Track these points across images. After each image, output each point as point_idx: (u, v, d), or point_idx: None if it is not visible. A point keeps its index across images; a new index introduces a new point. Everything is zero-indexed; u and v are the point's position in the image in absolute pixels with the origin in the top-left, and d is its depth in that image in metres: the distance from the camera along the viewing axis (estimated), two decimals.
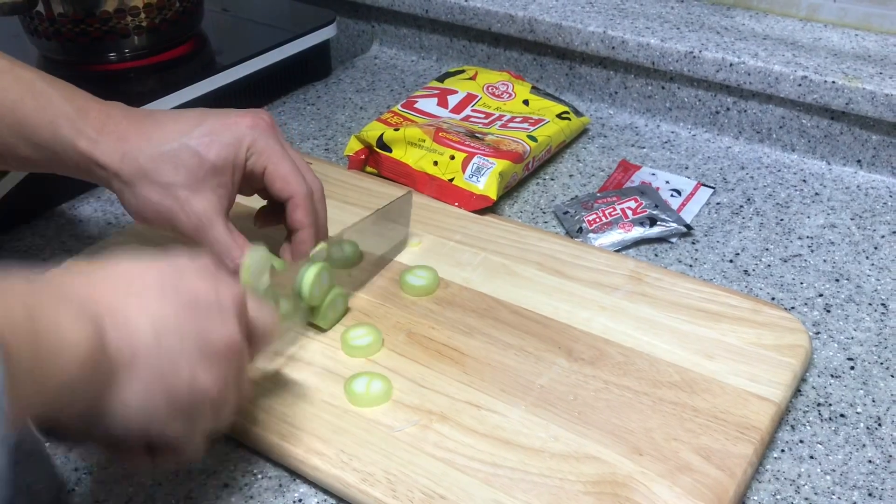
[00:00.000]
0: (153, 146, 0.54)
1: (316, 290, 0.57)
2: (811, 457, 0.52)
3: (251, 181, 0.58)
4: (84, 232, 0.74)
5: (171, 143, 0.54)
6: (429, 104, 0.85)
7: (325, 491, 0.50)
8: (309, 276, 0.56)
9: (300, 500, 0.50)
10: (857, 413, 0.55)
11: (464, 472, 0.49)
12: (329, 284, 0.59)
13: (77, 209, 0.76)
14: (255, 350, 0.47)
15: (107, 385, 0.38)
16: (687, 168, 0.81)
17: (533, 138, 0.78)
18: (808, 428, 0.54)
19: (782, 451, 0.53)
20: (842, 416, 0.55)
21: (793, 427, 0.54)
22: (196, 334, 0.41)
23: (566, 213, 0.73)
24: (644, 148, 0.85)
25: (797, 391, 0.57)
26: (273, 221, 0.61)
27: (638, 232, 0.70)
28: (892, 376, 0.58)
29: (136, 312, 0.39)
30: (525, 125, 0.81)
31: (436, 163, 0.75)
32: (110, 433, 0.40)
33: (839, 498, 0.50)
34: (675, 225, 0.70)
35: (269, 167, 0.56)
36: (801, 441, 0.53)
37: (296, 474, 0.51)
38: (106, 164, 0.54)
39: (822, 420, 0.55)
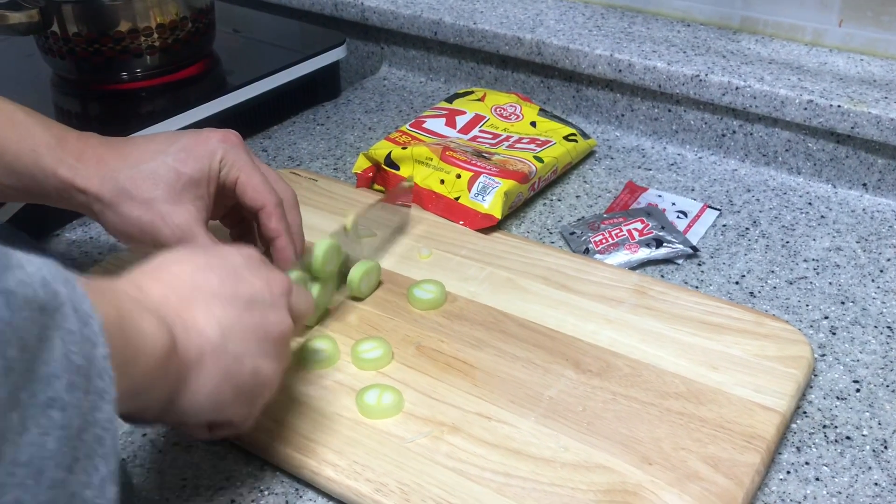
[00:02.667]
0: (130, 165, 0.57)
1: (330, 263, 0.60)
2: (817, 479, 0.52)
3: (223, 194, 0.60)
4: (94, 249, 0.74)
5: (149, 162, 0.57)
6: (437, 124, 0.85)
7: None
8: (321, 247, 0.59)
9: None
10: (863, 435, 0.55)
11: (476, 482, 0.50)
12: (339, 260, 0.62)
13: (88, 225, 0.77)
14: (296, 329, 0.51)
15: (179, 382, 0.42)
16: (693, 190, 0.82)
17: (539, 159, 0.79)
18: (814, 450, 0.54)
19: (788, 472, 0.53)
20: (847, 438, 0.55)
21: (798, 449, 0.54)
22: (255, 330, 0.46)
23: (573, 233, 0.74)
24: (650, 170, 0.85)
25: (803, 413, 0.57)
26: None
27: (644, 253, 0.70)
28: None
29: (202, 318, 0.44)
30: (532, 146, 0.81)
31: (442, 181, 0.76)
32: (180, 419, 0.44)
33: None
34: (681, 246, 0.71)
35: (240, 178, 0.59)
36: (807, 463, 0.53)
37: (301, 491, 0.52)
38: (86, 189, 0.56)
39: (827, 442, 0.55)
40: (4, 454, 0.27)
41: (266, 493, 0.51)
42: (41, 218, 0.75)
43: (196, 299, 0.44)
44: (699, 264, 0.71)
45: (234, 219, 0.65)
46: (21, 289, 0.28)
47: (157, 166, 0.57)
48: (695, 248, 0.71)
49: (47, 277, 0.31)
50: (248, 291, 0.46)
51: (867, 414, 0.57)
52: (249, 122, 0.92)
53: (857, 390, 0.59)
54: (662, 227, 0.72)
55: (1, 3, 0.83)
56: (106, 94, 0.89)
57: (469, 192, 0.74)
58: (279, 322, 0.47)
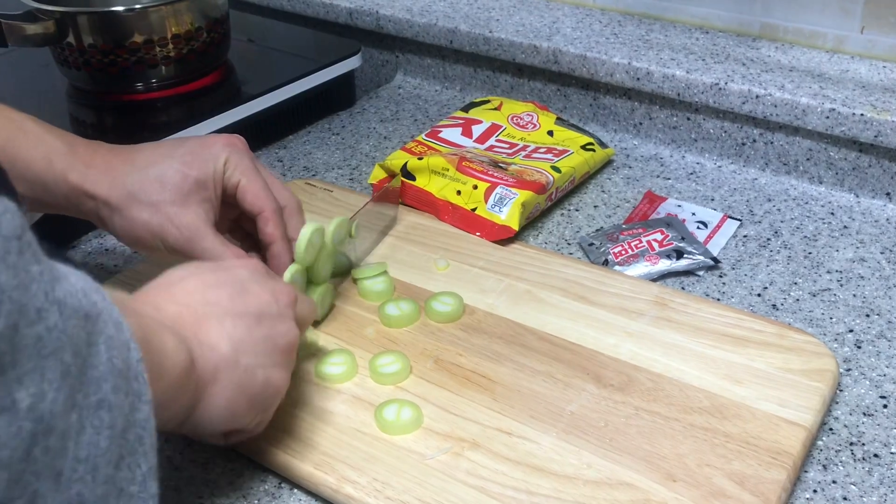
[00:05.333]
0: (138, 170, 0.58)
1: (312, 250, 0.60)
2: (845, 498, 0.51)
3: (226, 201, 0.61)
4: (110, 261, 0.74)
5: (156, 165, 0.58)
6: (453, 134, 0.85)
7: None
8: (305, 232, 0.60)
9: None
10: (892, 453, 0.54)
11: (498, 500, 0.49)
12: (317, 253, 0.62)
13: (104, 237, 0.77)
14: (301, 334, 0.53)
15: (196, 397, 0.44)
16: (713, 200, 0.81)
17: (557, 169, 0.78)
18: (841, 468, 0.53)
19: (814, 491, 0.52)
20: (875, 455, 0.54)
21: (825, 467, 0.53)
22: (265, 342, 0.48)
23: (591, 244, 0.73)
24: (670, 179, 0.84)
25: (829, 429, 0.56)
26: None
27: (664, 265, 0.69)
28: None
29: (215, 334, 0.46)
30: (549, 156, 0.81)
31: (459, 192, 0.75)
32: (196, 431, 0.47)
33: None
34: (701, 258, 0.70)
35: (241, 182, 0.60)
36: (834, 481, 0.52)
37: None
38: (96, 194, 0.57)
39: (855, 460, 0.54)
40: (68, 451, 0.29)
41: None
42: (55, 230, 0.75)
43: (209, 316, 0.46)
44: (720, 276, 0.70)
45: (241, 232, 0.65)
46: (69, 298, 0.30)
47: (164, 169, 0.58)
48: (716, 260, 0.70)
49: (86, 288, 0.33)
50: (257, 305, 0.49)
51: (895, 431, 0.55)
52: (264, 131, 0.91)
53: (885, 406, 0.57)
54: (683, 238, 0.71)
55: (17, 15, 0.83)
56: (121, 105, 0.89)
57: (486, 203, 0.73)
58: (286, 332, 0.50)
